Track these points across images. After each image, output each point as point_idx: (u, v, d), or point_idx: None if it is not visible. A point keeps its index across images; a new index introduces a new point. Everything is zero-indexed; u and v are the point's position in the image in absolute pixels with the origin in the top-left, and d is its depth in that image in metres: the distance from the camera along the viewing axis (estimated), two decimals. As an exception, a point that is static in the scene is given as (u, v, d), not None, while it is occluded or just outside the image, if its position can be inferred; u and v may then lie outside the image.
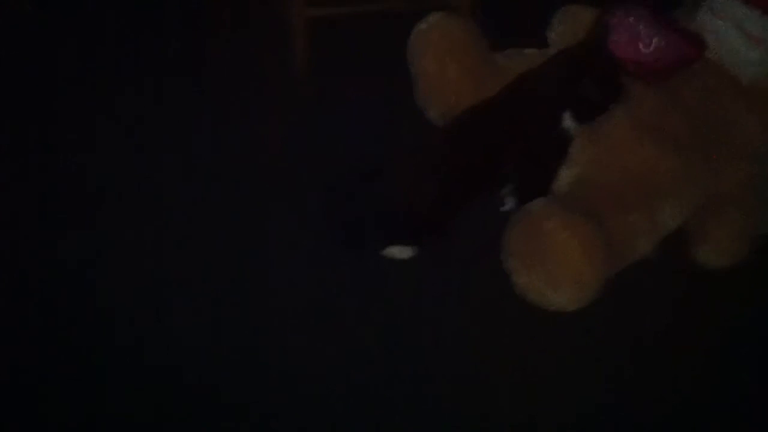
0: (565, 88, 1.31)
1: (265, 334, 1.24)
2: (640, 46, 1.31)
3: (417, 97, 1.47)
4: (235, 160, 1.55)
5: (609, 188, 1.33)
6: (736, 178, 1.36)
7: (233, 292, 1.30)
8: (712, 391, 1.20)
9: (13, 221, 1.42)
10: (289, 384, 1.18)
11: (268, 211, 1.45)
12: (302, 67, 1.74)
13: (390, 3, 1.74)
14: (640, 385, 1.21)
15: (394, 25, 1.54)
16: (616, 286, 1.25)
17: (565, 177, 1.37)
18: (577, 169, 1.36)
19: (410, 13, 1.49)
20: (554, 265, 1.23)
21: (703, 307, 1.32)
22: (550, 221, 1.23)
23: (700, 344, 1.27)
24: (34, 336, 1.23)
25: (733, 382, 1.21)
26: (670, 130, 1.34)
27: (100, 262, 1.34)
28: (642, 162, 1.33)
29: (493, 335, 1.26)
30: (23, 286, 1.31)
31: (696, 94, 1.36)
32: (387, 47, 1.55)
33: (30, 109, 1.67)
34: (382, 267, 1.34)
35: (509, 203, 1.43)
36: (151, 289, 1.30)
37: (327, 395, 1.16)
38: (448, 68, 1.42)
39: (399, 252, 1.38)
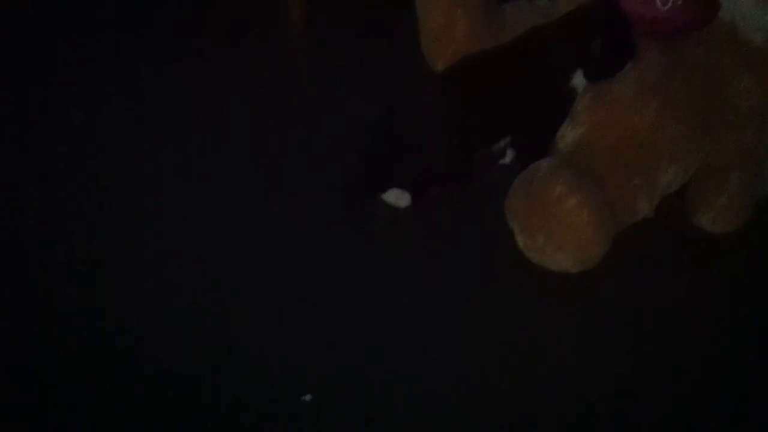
0: (578, 46, 1.28)
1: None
2: (658, 3, 1.28)
3: (424, 50, 1.43)
4: (234, 125, 1.50)
5: (613, 150, 1.32)
6: (739, 143, 1.36)
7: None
8: (716, 368, 1.20)
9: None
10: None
11: (270, 177, 1.41)
12: (300, 21, 1.68)
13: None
14: (643, 363, 1.20)
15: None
16: (618, 254, 1.25)
17: (569, 136, 1.35)
18: (582, 129, 1.34)
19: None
20: (560, 228, 1.23)
21: (705, 273, 1.32)
22: (559, 185, 1.22)
23: (705, 313, 1.27)
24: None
25: (738, 354, 1.22)
26: (676, 92, 1.32)
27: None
28: (648, 124, 1.32)
29: (496, 318, 1.25)
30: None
31: (704, 57, 1.34)
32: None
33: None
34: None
35: (509, 156, 1.42)
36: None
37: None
38: (456, 21, 1.37)
39: (396, 198, 1.36)
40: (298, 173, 1.42)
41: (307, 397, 1.13)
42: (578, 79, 1.31)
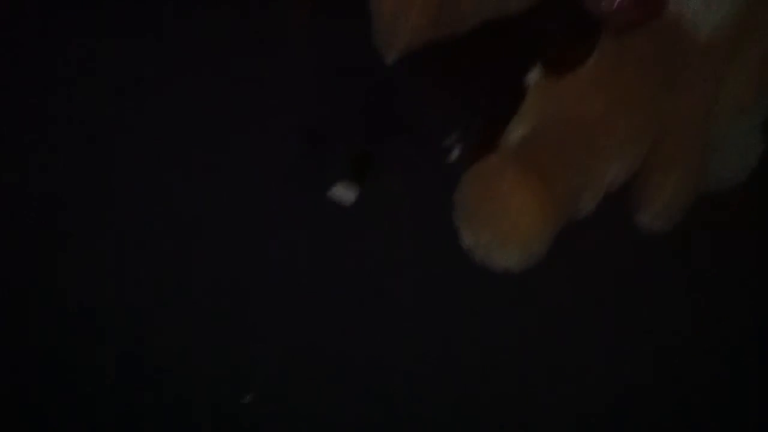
0: (535, 41, 1.28)
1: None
2: (605, -3, 1.28)
3: (375, 38, 1.40)
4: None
5: (559, 145, 1.32)
6: (684, 136, 1.38)
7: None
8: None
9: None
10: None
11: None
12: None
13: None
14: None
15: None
16: (561, 252, 1.24)
17: (516, 132, 1.34)
18: (530, 124, 1.33)
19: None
20: (507, 224, 1.22)
21: (644, 270, 1.35)
22: (507, 182, 1.21)
23: (644, 311, 1.30)
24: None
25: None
26: (624, 87, 1.32)
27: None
28: (595, 119, 1.32)
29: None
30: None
31: (650, 50, 1.34)
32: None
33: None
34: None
35: (455, 152, 1.42)
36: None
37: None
38: (409, 11, 1.34)
39: (344, 192, 1.33)
40: (243, 167, 1.36)
41: (247, 399, 1.14)
42: (532, 75, 1.31)
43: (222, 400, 1.16)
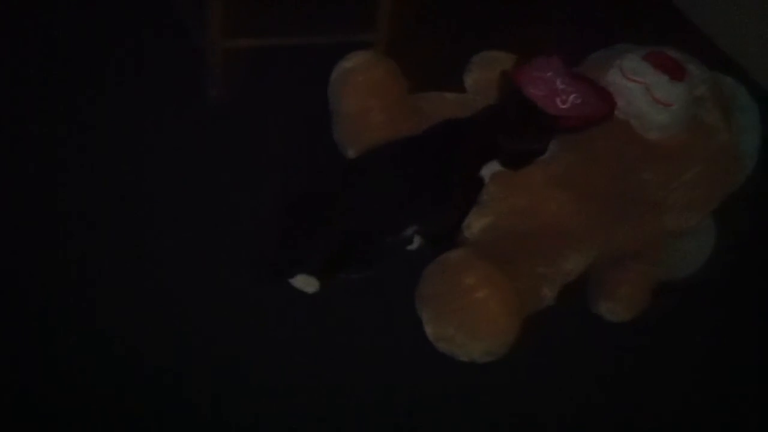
0: (489, 138, 1.32)
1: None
2: (558, 101, 1.34)
3: (336, 135, 1.44)
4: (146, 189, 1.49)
5: (520, 237, 1.36)
6: (639, 233, 1.42)
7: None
8: None
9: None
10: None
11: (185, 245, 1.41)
12: (218, 97, 1.67)
13: (308, 37, 1.69)
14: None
15: (313, 56, 1.52)
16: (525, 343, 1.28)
17: (476, 225, 1.38)
18: (490, 218, 1.37)
19: (329, 47, 1.46)
20: (472, 318, 1.24)
21: (604, 361, 1.38)
22: (470, 276, 1.24)
23: (611, 402, 1.33)
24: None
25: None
26: (580, 184, 1.38)
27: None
28: (553, 214, 1.36)
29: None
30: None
31: (605, 150, 1.41)
32: (306, 78, 1.51)
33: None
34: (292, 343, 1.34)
35: (415, 243, 1.45)
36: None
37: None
38: (369, 110, 1.39)
39: (305, 284, 1.36)
40: (207, 253, 1.40)
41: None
42: (487, 170, 1.35)
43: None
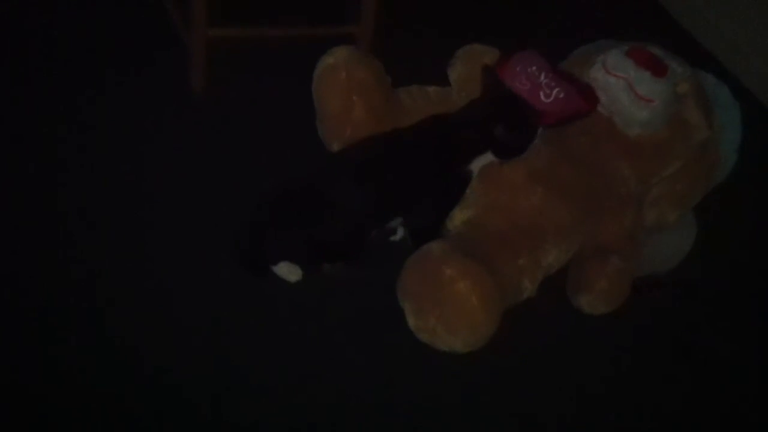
0: (475, 133, 1.33)
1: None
2: (541, 95, 1.35)
3: (320, 131, 1.44)
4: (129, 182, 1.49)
5: (500, 231, 1.37)
6: (618, 227, 1.43)
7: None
8: None
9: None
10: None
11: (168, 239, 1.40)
12: (201, 88, 1.66)
13: (292, 28, 1.68)
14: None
15: (298, 49, 1.51)
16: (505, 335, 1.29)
17: (458, 218, 1.39)
18: (472, 211, 1.38)
19: (312, 39, 1.47)
20: (452, 310, 1.25)
21: (584, 354, 1.39)
22: (450, 268, 1.25)
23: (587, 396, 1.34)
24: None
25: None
26: (561, 179, 1.39)
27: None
28: (533, 208, 1.37)
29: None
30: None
31: (586, 146, 1.42)
32: (290, 71, 1.51)
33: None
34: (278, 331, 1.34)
35: (399, 234, 1.45)
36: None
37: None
38: (353, 107, 1.39)
39: (288, 272, 1.36)
40: (191, 244, 1.40)
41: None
42: (476, 164, 1.36)
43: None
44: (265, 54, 1.69)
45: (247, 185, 1.47)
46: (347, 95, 1.39)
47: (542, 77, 1.35)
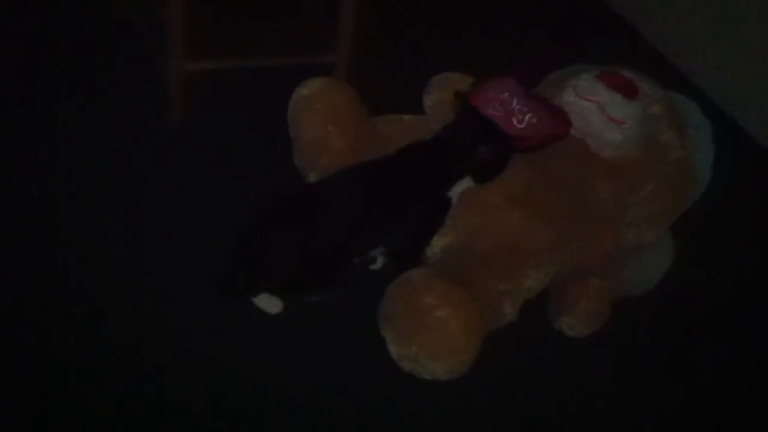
0: (451, 160, 1.34)
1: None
2: (514, 121, 1.36)
3: (296, 160, 1.45)
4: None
5: (480, 255, 1.37)
6: (597, 248, 1.44)
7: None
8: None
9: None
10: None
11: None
12: (178, 117, 1.67)
13: (268, 58, 1.70)
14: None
15: (275, 79, 1.52)
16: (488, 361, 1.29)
17: (438, 244, 1.39)
18: (451, 236, 1.39)
19: (289, 69, 1.48)
20: (434, 337, 1.25)
21: (566, 377, 1.39)
22: (431, 295, 1.25)
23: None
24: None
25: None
26: (539, 201, 1.40)
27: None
28: (512, 231, 1.38)
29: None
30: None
31: (562, 168, 1.44)
32: (266, 101, 1.53)
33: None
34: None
35: (379, 262, 1.45)
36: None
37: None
38: (328, 136, 1.40)
39: (268, 304, 1.36)
40: (171, 274, 1.41)
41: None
42: (456, 189, 1.36)
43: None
44: (242, 83, 1.71)
45: (224, 214, 1.47)
46: (323, 125, 1.40)
47: (515, 103, 1.37)
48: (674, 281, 1.54)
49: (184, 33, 1.56)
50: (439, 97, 1.47)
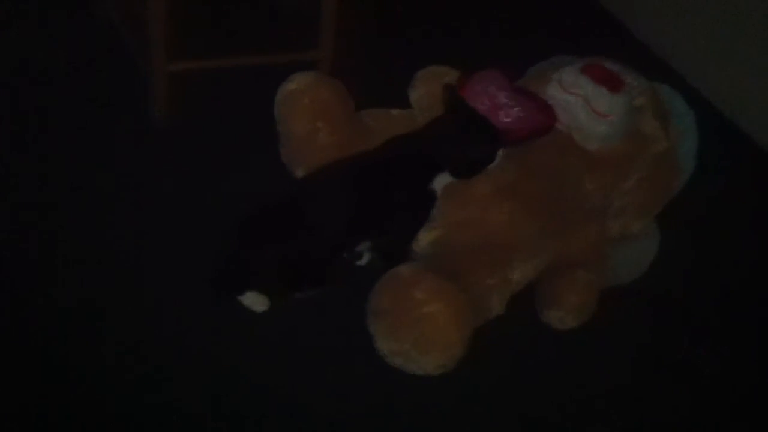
0: (437, 153, 1.34)
1: None
2: (501, 115, 1.37)
3: (283, 156, 1.44)
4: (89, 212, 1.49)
5: (468, 249, 1.38)
6: (584, 240, 1.45)
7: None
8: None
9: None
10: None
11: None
12: (162, 118, 1.66)
13: (252, 57, 1.69)
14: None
15: (258, 78, 1.52)
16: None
17: (426, 237, 1.40)
18: (438, 231, 1.39)
19: (273, 67, 1.47)
20: (423, 332, 1.26)
21: (555, 368, 1.40)
22: (421, 290, 1.25)
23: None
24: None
25: None
26: (526, 194, 1.40)
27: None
28: (500, 224, 1.39)
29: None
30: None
31: (548, 161, 1.44)
32: (251, 99, 1.51)
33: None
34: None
35: (365, 258, 1.45)
36: None
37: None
38: (317, 131, 1.40)
39: (254, 302, 1.36)
40: (171, 274, 1.40)
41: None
42: (438, 183, 1.36)
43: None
44: (226, 82, 1.70)
45: (212, 213, 1.47)
46: (311, 120, 1.40)
47: (502, 97, 1.37)
48: (675, 281, 1.56)
49: (166, 33, 1.54)
50: (425, 90, 1.47)
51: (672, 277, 1.56)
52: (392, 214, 1.37)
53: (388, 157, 1.37)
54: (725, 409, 1.40)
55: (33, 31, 1.86)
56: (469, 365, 1.28)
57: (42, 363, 1.24)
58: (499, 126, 1.35)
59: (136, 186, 1.55)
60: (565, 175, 1.44)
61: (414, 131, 1.38)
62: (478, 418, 1.29)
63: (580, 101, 1.39)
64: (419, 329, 1.26)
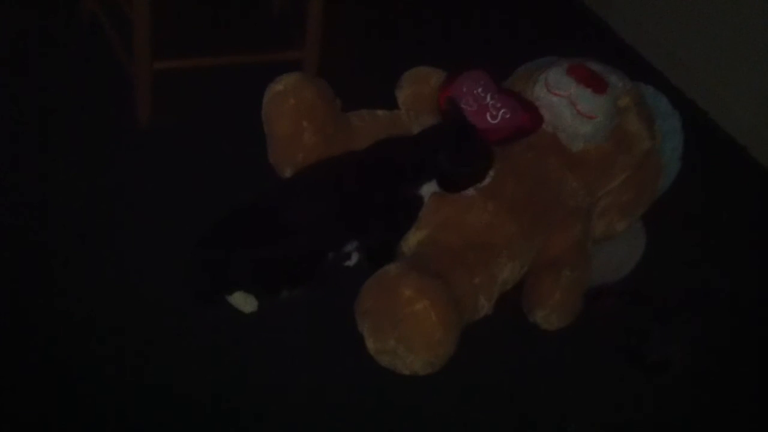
0: (426, 156, 1.34)
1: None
2: (487, 116, 1.37)
3: (270, 157, 1.44)
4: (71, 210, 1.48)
5: (455, 249, 1.39)
6: (569, 240, 1.46)
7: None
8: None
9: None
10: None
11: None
12: (146, 117, 1.65)
13: (237, 57, 1.68)
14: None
15: (245, 77, 1.51)
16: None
17: (413, 239, 1.40)
18: (425, 231, 1.40)
19: (258, 66, 1.47)
20: (411, 331, 1.26)
21: (543, 369, 1.41)
22: (408, 289, 1.26)
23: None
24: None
25: None
26: (510, 194, 1.41)
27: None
28: (485, 224, 1.39)
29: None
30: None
31: (533, 161, 1.45)
32: (237, 98, 1.51)
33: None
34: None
35: (353, 259, 1.46)
36: None
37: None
38: (303, 132, 1.40)
39: (242, 303, 1.35)
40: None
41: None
42: (427, 189, 1.37)
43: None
44: (212, 81, 1.70)
45: (197, 213, 1.46)
46: (297, 120, 1.40)
47: (488, 98, 1.38)
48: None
49: (150, 32, 1.54)
50: (412, 91, 1.48)
51: (672, 277, 1.57)
52: (377, 214, 1.37)
53: (377, 160, 1.38)
54: (725, 410, 1.41)
55: (17, 30, 1.85)
56: (466, 366, 1.29)
57: (41, 363, 1.24)
58: (485, 127, 1.35)
59: (127, 186, 1.54)
60: (549, 175, 1.45)
61: (409, 136, 1.39)
62: (478, 419, 1.29)
63: (565, 102, 1.40)
64: (406, 328, 1.26)
